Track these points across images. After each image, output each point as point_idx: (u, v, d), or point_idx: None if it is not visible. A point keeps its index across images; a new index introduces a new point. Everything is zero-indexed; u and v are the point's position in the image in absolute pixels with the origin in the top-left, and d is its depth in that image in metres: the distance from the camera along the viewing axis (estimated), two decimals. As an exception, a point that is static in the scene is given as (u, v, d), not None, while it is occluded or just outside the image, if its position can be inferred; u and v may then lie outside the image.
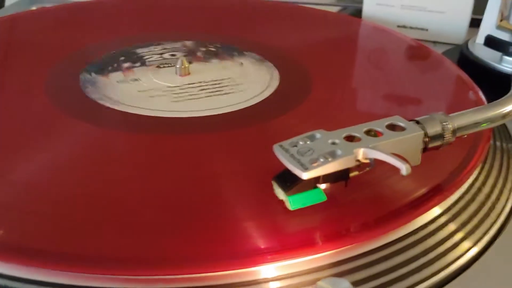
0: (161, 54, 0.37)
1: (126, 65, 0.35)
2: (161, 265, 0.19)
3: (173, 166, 0.25)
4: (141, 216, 0.22)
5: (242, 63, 0.35)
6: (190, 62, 0.35)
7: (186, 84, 0.33)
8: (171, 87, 0.32)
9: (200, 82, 0.33)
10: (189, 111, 0.30)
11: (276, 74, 0.35)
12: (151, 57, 0.36)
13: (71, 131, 0.28)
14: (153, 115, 0.29)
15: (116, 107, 0.30)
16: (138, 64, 0.35)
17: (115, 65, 0.35)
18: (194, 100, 0.31)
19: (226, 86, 0.33)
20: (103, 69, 0.34)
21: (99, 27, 0.43)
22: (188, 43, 0.39)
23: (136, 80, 0.33)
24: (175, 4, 0.48)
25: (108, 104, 0.30)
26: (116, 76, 0.33)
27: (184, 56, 0.36)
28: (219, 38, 0.40)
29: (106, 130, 0.28)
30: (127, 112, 0.29)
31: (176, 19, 0.45)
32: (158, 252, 0.20)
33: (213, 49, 0.38)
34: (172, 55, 0.37)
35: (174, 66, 0.34)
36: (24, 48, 0.38)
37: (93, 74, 0.33)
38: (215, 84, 0.33)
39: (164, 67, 0.35)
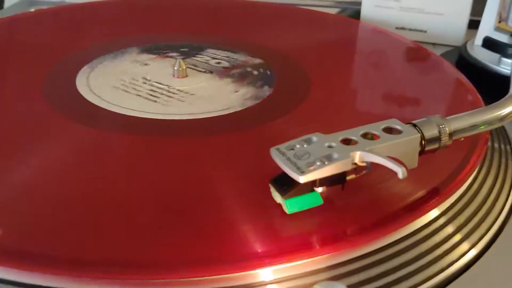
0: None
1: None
2: (157, 268, 0.19)
3: (170, 169, 0.25)
4: (137, 220, 0.22)
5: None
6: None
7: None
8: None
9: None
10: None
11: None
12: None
13: (68, 133, 0.28)
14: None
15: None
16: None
17: None
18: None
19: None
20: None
21: (96, 29, 0.43)
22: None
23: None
24: (173, 6, 0.48)
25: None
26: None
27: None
28: (215, 41, 0.40)
29: (103, 132, 0.28)
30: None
31: (173, 21, 0.45)
32: (154, 256, 0.20)
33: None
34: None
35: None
36: (22, 49, 0.38)
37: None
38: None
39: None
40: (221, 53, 0.38)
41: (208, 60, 0.37)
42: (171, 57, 0.37)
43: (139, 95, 0.32)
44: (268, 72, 0.35)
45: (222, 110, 0.30)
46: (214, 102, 0.31)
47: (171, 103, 0.31)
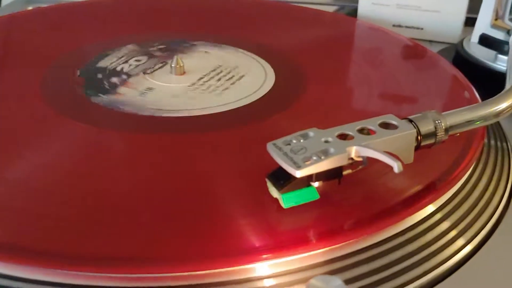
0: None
1: (115, 79, 0.33)
2: (154, 263, 0.19)
3: (167, 165, 0.25)
4: (135, 216, 0.22)
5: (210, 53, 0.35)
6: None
7: (186, 84, 0.33)
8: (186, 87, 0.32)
9: (200, 78, 0.33)
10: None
11: (269, 70, 0.35)
12: (122, 67, 0.35)
13: (67, 132, 0.28)
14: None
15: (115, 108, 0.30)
16: (124, 76, 0.34)
17: (106, 82, 0.33)
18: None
19: (225, 76, 0.33)
20: (101, 88, 0.32)
21: (94, 27, 0.43)
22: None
23: (150, 89, 0.32)
24: (174, 4, 0.48)
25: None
26: (128, 91, 0.32)
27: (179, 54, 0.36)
28: (210, 37, 0.40)
29: (102, 130, 0.28)
30: (123, 112, 0.29)
31: (170, 19, 0.45)
32: (150, 251, 0.20)
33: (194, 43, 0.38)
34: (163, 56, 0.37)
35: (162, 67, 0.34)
36: (20, 48, 0.38)
37: (103, 96, 0.31)
38: (213, 76, 0.33)
39: (151, 71, 0.35)
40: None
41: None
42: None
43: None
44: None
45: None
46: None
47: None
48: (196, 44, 0.39)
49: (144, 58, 0.36)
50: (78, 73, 0.34)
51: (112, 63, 0.35)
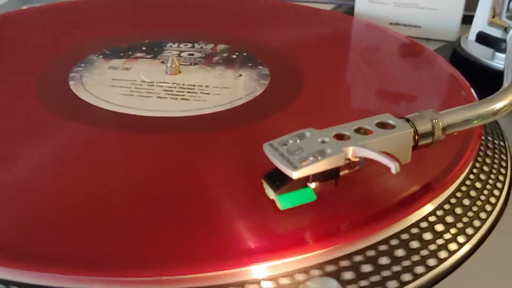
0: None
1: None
2: (150, 266, 0.19)
3: (162, 166, 0.25)
4: (131, 217, 0.22)
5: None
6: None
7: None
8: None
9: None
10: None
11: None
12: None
13: (61, 132, 0.27)
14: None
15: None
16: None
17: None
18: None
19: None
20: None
21: (90, 26, 0.42)
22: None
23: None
24: (166, 4, 0.48)
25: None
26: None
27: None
28: (209, 37, 0.40)
29: (98, 130, 0.28)
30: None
31: (164, 18, 0.45)
32: (146, 254, 0.20)
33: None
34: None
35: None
36: (15, 47, 0.38)
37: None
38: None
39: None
40: (183, 46, 0.38)
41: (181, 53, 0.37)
42: (141, 57, 0.36)
43: (159, 97, 0.31)
44: (245, 54, 0.36)
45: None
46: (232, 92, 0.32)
47: (198, 97, 0.31)
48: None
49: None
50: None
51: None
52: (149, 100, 0.30)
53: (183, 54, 0.37)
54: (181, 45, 0.38)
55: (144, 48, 0.37)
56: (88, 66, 0.35)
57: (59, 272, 0.19)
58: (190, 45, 0.38)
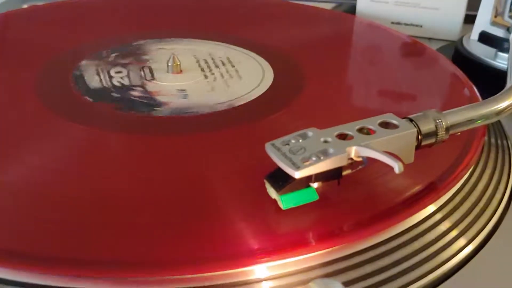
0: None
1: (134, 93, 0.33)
2: (151, 266, 0.19)
3: (164, 166, 0.25)
4: (133, 218, 0.21)
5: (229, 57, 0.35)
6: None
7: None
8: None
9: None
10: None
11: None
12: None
13: (63, 132, 0.27)
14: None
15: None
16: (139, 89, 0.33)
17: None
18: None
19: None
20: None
21: (90, 26, 0.42)
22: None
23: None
24: (168, 3, 0.47)
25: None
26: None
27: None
28: (207, 35, 0.40)
29: (99, 131, 0.28)
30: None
31: (165, 17, 0.45)
32: (147, 254, 0.20)
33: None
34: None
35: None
36: (15, 46, 0.38)
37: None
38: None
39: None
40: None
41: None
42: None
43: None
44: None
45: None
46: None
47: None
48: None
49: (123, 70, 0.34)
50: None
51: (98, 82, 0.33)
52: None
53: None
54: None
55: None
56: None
57: (61, 273, 0.19)
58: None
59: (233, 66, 0.35)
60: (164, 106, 0.30)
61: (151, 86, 0.32)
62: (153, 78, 0.33)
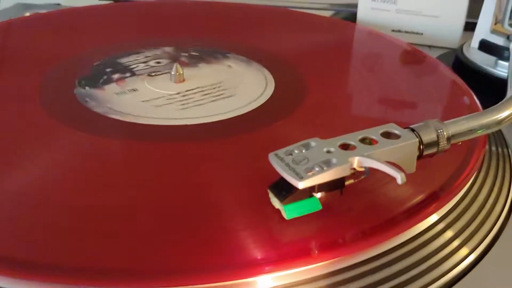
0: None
1: (116, 76, 0.34)
2: (155, 276, 0.19)
3: (167, 174, 0.25)
4: (136, 227, 0.22)
5: (230, 66, 0.35)
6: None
7: (184, 91, 0.33)
8: (171, 95, 0.32)
9: (198, 87, 0.33)
10: (183, 118, 0.29)
11: (269, 77, 0.35)
12: (137, 66, 0.36)
13: (67, 140, 0.27)
14: (150, 123, 0.29)
15: (126, 119, 0.29)
16: (128, 74, 0.35)
17: (105, 77, 0.34)
18: (188, 108, 0.31)
19: (224, 89, 0.33)
20: (94, 81, 0.33)
21: (92, 33, 0.42)
22: (169, 49, 0.39)
23: (134, 90, 0.33)
24: (175, 12, 0.48)
25: (117, 117, 0.30)
26: (111, 88, 0.33)
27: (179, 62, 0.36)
28: (209, 43, 0.40)
29: (103, 139, 0.28)
30: (127, 122, 0.29)
31: (165, 25, 0.45)
32: (152, 263, 0.20)
33: (195, 53, 0.38)
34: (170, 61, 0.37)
35: (168, 73, 0.34)
36: (18, 54, 0.38)
37: (87, 88, 0.32)
38: (213, 88, 0.33)
39: (155, 75, 0.35)
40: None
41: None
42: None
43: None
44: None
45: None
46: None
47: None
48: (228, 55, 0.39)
49: (165, 61, 0.36)
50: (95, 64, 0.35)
51: (132, 60, 0.36)
52: (160, 110, 0.30)
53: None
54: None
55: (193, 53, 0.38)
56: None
57: (64, 282, 0.19)
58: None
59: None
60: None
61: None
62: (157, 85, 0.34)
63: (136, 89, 0.33)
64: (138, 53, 0.38)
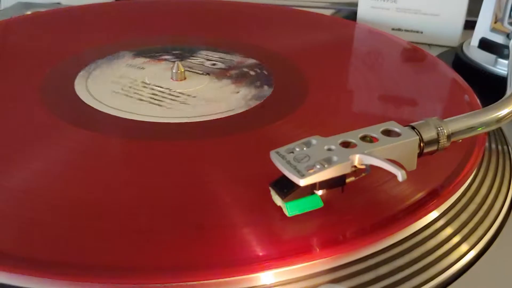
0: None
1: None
2: (157, 273, 0.19)
3: (170, 172, 0.25)
4: (137, 224, 0.22)
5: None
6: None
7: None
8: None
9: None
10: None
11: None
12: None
13: (66, 138, 0.28)
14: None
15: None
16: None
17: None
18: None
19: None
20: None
21: (92, 32, 0.43)
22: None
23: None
24: (170, 9, 0.48)
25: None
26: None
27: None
28: (208, 42, 0.40)
29: (103, 137, 0.28)
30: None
31: (167, 23, 0.45)
32: (153, 260, 0.20)
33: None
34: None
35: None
36: (19, 53, 0.38)
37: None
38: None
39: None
40: (214, 55, 0.38)
41: (202, 62, 0.37)
42: (165, 60, 0.37)
43: (142, 100, 0.31)
44: (265, 72, 0.35)
45: (226, 111, 0.30)
46: (217, 104, 0.31)
47: (175, 106, 0.31)
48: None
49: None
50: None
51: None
52: (159, 107, 0.31)
53: (206, 63, 0.37)
54: (213, 53, 0.38)
55: (175, 52, 0.38)
56: (92, 72, 0.35)
57: (63, 279, 0.19)
58: (220, 54, 0.38)
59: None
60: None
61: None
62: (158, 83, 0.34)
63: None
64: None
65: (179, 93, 0.32)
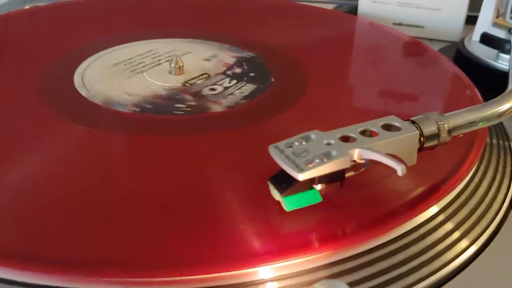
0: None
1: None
2: (156, 267, 0.19)
3: (168, 167, 0.25)
4: (136, 219, 0.22)
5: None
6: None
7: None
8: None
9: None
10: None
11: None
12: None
13: (65, 132, 0.27)
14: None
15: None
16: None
17: None
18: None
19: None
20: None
21: (93, 26, 0.42)
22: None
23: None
24: (167, 3, 0.48)
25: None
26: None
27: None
28: (209, 35, 0.40)
29: (101, 131, 0.28)
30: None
31: (165, 17, 0.45)
32: (151, 255, 0.20)
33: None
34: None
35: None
36: (18, 47, 0.38)
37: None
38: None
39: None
40: (213, 49, 0.38)
41: (200, 56, 0.37)
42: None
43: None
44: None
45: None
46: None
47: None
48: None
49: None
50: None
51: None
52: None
53: (204, 57, 0.37)
54: (212, 47, 0.38)
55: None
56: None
57: (66, 274, 0.19)
58: (220, 48, 0.38)
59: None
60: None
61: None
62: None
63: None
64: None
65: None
